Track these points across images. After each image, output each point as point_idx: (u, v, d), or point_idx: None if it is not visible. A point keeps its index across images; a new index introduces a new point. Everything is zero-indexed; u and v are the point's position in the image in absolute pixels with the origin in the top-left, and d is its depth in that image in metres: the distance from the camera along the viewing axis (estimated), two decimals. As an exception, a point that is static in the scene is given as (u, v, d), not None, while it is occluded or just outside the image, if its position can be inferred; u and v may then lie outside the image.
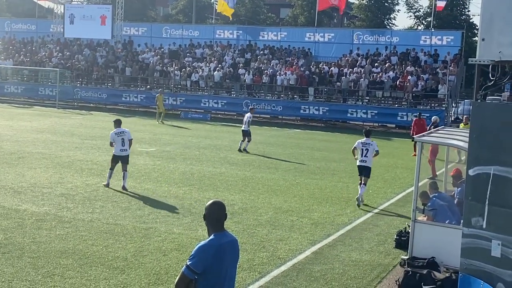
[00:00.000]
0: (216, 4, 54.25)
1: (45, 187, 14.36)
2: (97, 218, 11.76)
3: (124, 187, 14.65)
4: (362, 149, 14.88)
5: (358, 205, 14.28)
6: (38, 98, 44.40)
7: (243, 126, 23.36)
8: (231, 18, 49.34)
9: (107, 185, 14.83)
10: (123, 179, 14.79)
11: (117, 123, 15.32)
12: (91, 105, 42.57)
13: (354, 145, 15.18)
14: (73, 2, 52.69)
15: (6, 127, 26.82)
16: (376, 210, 14.15)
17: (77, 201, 13.12)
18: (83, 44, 48.97)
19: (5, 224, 10.91)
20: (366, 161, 14.81)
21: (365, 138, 15.00)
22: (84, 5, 56.19)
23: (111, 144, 15.22)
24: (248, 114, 23.86)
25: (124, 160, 14.98)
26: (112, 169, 14.98)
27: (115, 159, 14.99)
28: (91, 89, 43.71)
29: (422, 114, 28.32)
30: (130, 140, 15.20)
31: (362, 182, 14.67)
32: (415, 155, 17.68)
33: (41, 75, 46.39)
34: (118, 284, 8.35)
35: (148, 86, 43.62)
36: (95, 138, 24.36)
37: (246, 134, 23.15)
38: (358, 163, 15.02)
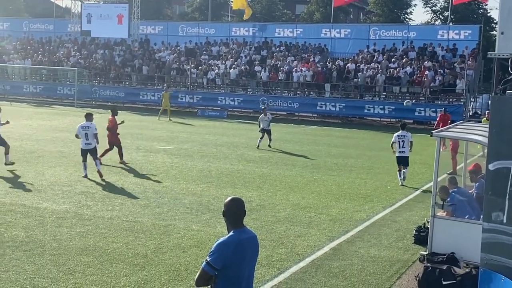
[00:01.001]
0: (232, 2, 54.27)
1: (65, 185, 14.53)
2: (117, 216, 11.87)
3: (99, 172, 15.67)
4: (399, 141, 16.82)
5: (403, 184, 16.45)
6: (57, 97, 44.79)
7: (266, 125, 23.52)
8: (246, 11, 49.09)
9: (85, 176, 15.60)
10: (97, 166, 15.80)
11: (87, 117, 16.12)
12: (109, 103, 42.84)
13: (392, 140, 17.07)
14: (90, 1, 52.94)
15: (26, 126, 27.12)
16: (394, 206, 14.09)
17: (96, 199, 13.25)
18: (100, 43, 49.29)
19: (26, 222, 11.05)
20: (404, 152, 16.81)
21: (400, 131, 16.96)
22: (101, 4, 56.44)
23: (76, 136, 16.09)
24: (268, 115, 23.86)
25: (91, 152, 15.92)
26: (84, 161, 15.84)
27: (83, 152, 15.92)
28: (109, 88, 43.99)
29: (440, 110, 28.15)
30: (95, 134, 15.91)
31: (402, 169, 16.71)
32: (444, 149, 17.66)
33: (59, 74, 46.80)
34: (138, 281, 8.43)
35: (165, 85, 43.77)
36: (113, 137, 24.51)
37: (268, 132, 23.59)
38: (397, 154, 16.87)
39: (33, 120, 30.23)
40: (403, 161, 16.82)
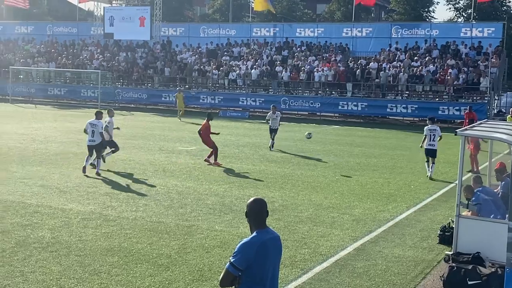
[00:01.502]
0: (253, 2, 54.31)
1: (90, 187, 14.70)
2: (141, 216, 11.97)
3: (97, 173, 16.19)
4: (430, 135, 17.72)
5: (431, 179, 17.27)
6: (81, 100, 45.33)
7: (275, 124, 23.04)
8: (266, 10, 49.18)
9: (83, 169, 16.34)
10: (97, 165, 16.41)
11: (96, 115, 16.80)
12: (132, 105, 43.23)
13: (424, 133, 17.95)
14: (112, 5, 53.40)
15: (51, 128, 27.48)
16: (418, 206, 13.98)
17: (121, 200, 13.38)
18: (122, 46, 49.73)
19: (52, 223, 11.21)
20: (434, 145, 17.76)
21: (430, 125, 17.94)
22: (123, 7, 57.10)
23: (84, 131, 16.80)
24: (277, 113, 23.53)
25: (96, 148, 16.55)
26: (90, 155, 16.65)
27: (88, 148, 16.67)
28: (132, 90, 44.38)
29: (464, 108, 28.18)
30: (101, 133, 16.49)
31: (431, 162, 17.64)
32: (469, 147, 17.61)
33: (83, 77, 47.34)
34: (163, 281, 8.49)
35: (187, 86, 44.04)
36: (137, 138, 24.75)
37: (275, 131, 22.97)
38: (426, 146, 17.78)
39: (58, 123, 30.62)
40: (431, 153, 17.78)
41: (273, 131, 22.91)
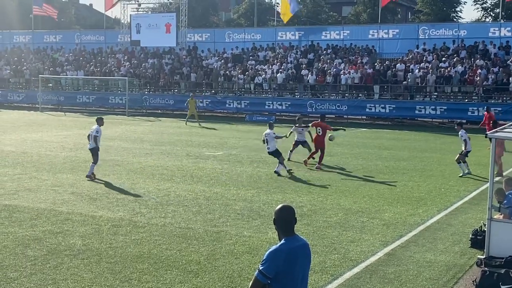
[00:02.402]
0: (277, 6, 54.35)
1: (119, 193, 14.84)
2: (170, 223, 12.03)
3: (87, 176, 16.74)
4: (467, 138, 18.50)
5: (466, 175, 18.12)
6: (109, 107, 45.86)
7: (299, 137, 20.98)
8: (285, 22, 49.28)
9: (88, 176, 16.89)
10: (90, 168, 16.89)
11: (97, 121, 17.59)
12: (159, 111, 43.57)
13: (463, 138, 18.54)
14: (139, 12, 53.97)
15: (80, 136, 27.81)
16: (449, 209, 13.79)
17: (150, 206, 13.47)
18: (149, 52, 50.20)
19: (83, 231, 11.33)
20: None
21: (463, 129, 18.77)
22: (150, 14, 57.60)
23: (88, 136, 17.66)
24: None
25: (92, 152, 17.18)
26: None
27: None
28: (159, 96, 44.75)
29: (494, 108, 27.87)
30: (95, 137, 17.17)
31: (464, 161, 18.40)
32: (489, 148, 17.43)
33: (110, 84, 47.92)
34: (192, 288, 8.51)
35: (213, 91, 44.23)
36: (164, 144, 24.93)
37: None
38: (469, 148, 18.55)
39: (87, 130, 30.85)
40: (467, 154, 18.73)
41: (299, 144, 20.90)
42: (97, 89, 48.36)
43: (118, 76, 46.46)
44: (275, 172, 18.00)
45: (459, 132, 18.78)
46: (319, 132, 19.80)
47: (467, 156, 18.61)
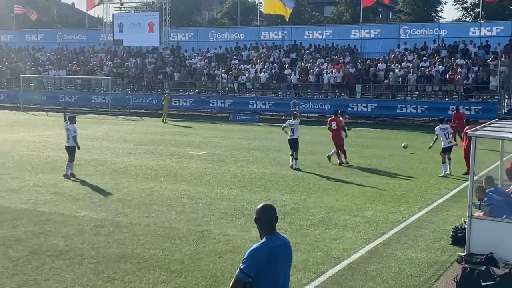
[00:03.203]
0: (260, 6, 54.33)
1: (102, 193, 14.78)
2: (153, 222, 12.02)
3: (65, 175, 16.78)
4: (444, 134, 18.40)
5: (448, 174, 18.01)
6: (91, 106, 45.51)
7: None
8: (287, 19, 49.22)
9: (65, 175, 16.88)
10: (66, 168, 17.00)
11: (70, 119, 17.62)
12: (142, 111, 43.38)
13: (437, 133, 18.51)
14: (121, 11, 53.70)
15: (62, 136, 27.58)
16: (430, 207, 13.94)
17: (133, 206, 13.44)
18: (132, 52, 49.96)
19: (65, 231, 11.28)
20: (451, 142, 18.77)
21: (440, 125, 18.51)
22: (132, 14, 57.27)
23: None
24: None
25: (68, 151, 17.24)
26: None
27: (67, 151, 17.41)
28: (142, 96, 44.55)
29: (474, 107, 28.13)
30: (74, 136, 17.20)
31: (448, 158, 18.23)
32: (463, 146, 17.78)
33: (93, 83, 47.61)
34: (176, 287, 8.52)
35: (197, 90, 44.16)
36: (148, 143, 24.86)
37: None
38: (446, 145, 18.28)
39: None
40: (450, 150, 18.46)
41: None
42: (80, 89, 48.00)
43: (101, 75, 46.19)
44: (296, 169, 18.73)
45: (435, 128, 18.87)
46: (334, 127, 20.37)
47: (449, 152, 18.44)
